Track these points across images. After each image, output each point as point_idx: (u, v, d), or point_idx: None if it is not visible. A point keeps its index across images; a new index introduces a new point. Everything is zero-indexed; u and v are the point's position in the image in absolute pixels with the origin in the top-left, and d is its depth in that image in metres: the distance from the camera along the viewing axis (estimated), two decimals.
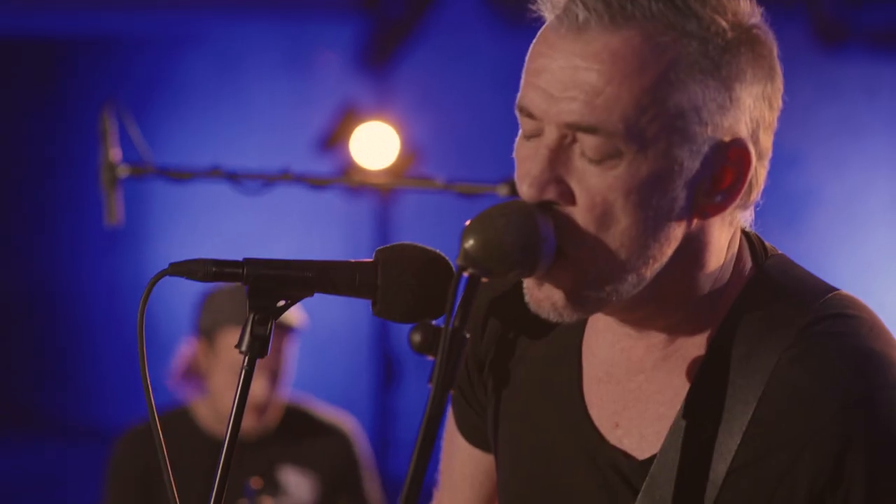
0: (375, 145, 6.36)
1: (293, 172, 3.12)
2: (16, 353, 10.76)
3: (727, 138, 1.67)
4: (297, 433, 4.24)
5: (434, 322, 1.63)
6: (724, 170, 1.68)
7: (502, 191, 3.00)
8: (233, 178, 3.06)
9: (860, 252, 7.42)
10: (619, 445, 1.80)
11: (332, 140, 7.05)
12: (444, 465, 2.12)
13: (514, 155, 1.73)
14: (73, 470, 9.16)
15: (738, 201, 1.71)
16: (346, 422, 4.36)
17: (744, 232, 1.82)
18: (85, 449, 8.94)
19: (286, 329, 4.10)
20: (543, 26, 1.71)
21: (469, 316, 1.60)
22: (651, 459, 1.76)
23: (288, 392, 4.27)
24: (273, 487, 4.03)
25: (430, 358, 1.60)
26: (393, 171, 6.22)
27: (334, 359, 8.95)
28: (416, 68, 8.57)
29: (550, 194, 1.65)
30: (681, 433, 1.73)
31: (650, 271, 1.69)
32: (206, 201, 8.83)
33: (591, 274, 1.68)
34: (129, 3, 8.55)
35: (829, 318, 1.72)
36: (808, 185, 7.58)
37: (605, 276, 1.68)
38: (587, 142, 1.64)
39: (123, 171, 3.19)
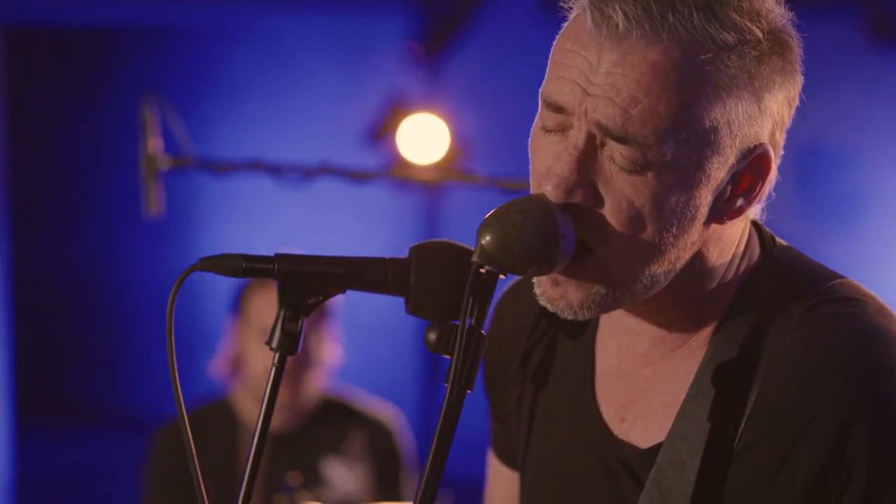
0: (424, 138, 6.28)
1: (333, 165, 3.08)
2: (60, 343, 10.82)
3: (751, 145, 1.67)
4: (340, 424, 4.20)
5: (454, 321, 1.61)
6: (744, 174, 1.68)
7: None
8: (274, 170, 3.03)
9: None
10: (625, 439, 1.81)
11: (381, 132, 7.01)
12: (486, 489, 2.13)
13: (529, 145, 1.70)
14: (120, 460, 9.20)
15: (755, 202, 1.71)
16: (388, 412, 4.32)
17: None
18: (129, 439, 8.97)
19: None
20: (571, 20, 1.68)
21: (486, 313, 1.59)
22: (654, 448, 1.75)
23: (329, 384, 4.24)
24: (315, 481, 4.00)
25: (447, 357, 1.58)
26: (442, 165, 6.14)
27: (379, 352, 8.93)
28: (467, 62, 8.53)
29: (577, 198, 1.64)
30: (686, 420, 1.72)
31: (666, 275, 1.69)
32: (250, 194, 8.83)
33: (612, 274, 1.67)
34: None
35: (833, 301, 1.71)
36: (864, 183, 7.51)
37: (625, 277, 1.67)
38: (617, 149, 1.62)
39: (164, 163, 3.16)
